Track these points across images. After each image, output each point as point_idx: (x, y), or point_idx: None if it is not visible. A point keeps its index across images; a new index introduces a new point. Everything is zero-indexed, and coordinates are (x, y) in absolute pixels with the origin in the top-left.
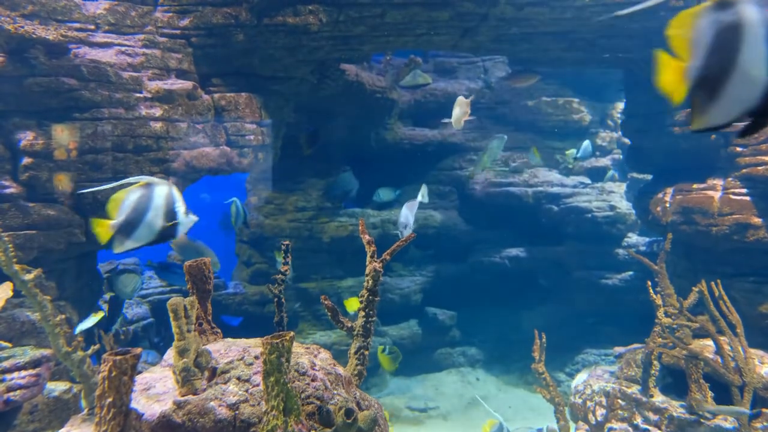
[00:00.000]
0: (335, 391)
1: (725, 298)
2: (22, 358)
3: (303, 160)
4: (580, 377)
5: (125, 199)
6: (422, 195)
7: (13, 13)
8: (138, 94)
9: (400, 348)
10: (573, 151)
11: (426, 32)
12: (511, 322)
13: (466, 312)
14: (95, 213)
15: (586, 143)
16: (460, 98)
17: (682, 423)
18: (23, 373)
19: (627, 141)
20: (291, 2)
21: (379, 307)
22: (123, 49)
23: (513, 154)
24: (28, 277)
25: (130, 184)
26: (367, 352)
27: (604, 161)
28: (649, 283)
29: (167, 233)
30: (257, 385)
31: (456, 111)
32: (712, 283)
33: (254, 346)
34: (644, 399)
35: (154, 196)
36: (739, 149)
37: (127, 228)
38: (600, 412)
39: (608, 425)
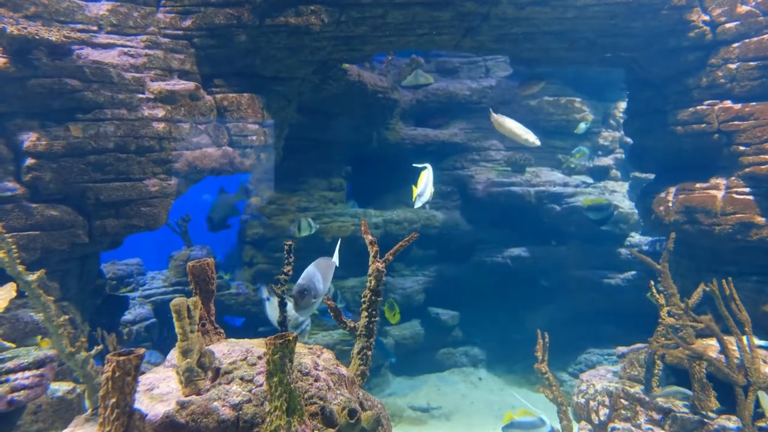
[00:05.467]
0: (338, 392)
1: (736, 296)
2: (26, 358)
3: (305, 161)
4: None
5: (422, 178)
6: (336, 257)
7: (16, 15)
8: (140, 95)
9: (403, 348)
10: (583, 126)
11: (428, 32)
12: (513, 322)
13: (468, 312)
14: (99, 213)
15: None
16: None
17: (685, 423)
18: (27, 373)
19: (629, 140)
20: (293, 3)
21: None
22: (125, 50)
23: (515, 153)
24: (32, 277)
25: (424, 167)
26: (370, 352)
27: (607, 161)
28: (652, 282)
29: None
30: (260, 385)
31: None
32: (723, 281)
33: (257, 346)
34: (647, 399)
35: (430, 178)
36: (742, 148)
37: (420, 195)
38: (603, 411)
39: (611, 425)
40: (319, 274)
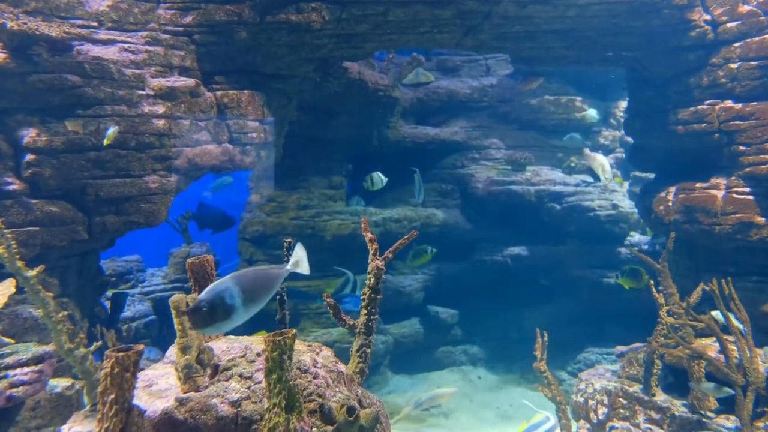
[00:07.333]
0: (337, 389)
1: (735, 296)
2: (25, 354)
3: (305, 159)
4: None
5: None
6: (299, 261)
7: (17, 10)
8: (141, 92)
9: (402, 346)
10: (593, 112)
11: (429, 30)
12: (512, 321)
13: (467, 310)
14: (99, 210)
15: None
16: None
17: (684, 422)
18: (26, 369)
19: (629, 139)
20: (294, 0)
21: (380, 305)
22: (126, 46)
23: (515, 152)
24: (31, 273)
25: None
26: (369, 350)
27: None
28: (652, 282)
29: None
30: (259, 382)
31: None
32: (722, 281)
33: (256, 343)
34: (646, 398)
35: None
36: (742, 148)
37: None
38: (601, 410)
39: (609, 424)
40: (237, 287)
